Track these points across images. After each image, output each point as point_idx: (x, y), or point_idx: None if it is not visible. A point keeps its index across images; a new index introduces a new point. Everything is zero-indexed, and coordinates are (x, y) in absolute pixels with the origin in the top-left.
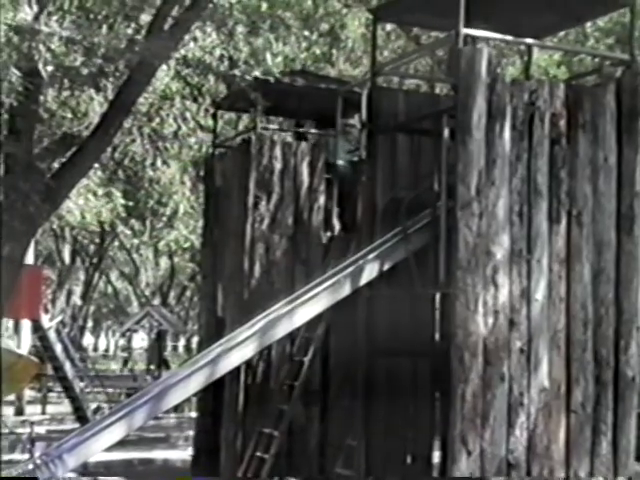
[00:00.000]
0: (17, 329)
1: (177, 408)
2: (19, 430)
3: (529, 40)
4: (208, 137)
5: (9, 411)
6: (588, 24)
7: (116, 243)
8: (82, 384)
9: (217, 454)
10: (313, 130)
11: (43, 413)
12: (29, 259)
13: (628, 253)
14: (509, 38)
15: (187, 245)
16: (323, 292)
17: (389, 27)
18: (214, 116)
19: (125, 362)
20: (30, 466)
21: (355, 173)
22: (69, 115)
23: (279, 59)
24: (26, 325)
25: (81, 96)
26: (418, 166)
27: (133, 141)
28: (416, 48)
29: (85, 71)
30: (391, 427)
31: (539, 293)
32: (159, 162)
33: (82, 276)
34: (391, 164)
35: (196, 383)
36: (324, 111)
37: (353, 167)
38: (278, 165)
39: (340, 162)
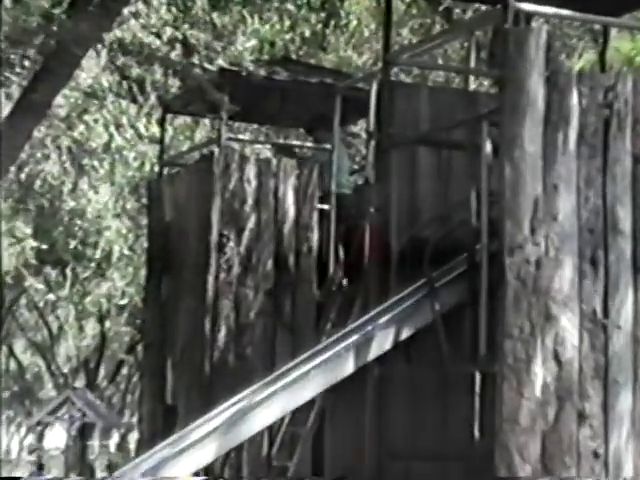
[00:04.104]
0: None
1: None
2: None
3: (605, 18)
4: (153, 151)
5: None
6: None
7: (23, 300)
8: None
9: None
10: (300, 142)
11: None
12: None
13: None
14: (577, 15)
15: (124, 302)
16: (316, 370)
17: None
18: (162, 122)
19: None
20: None
21: (360, 202)
22: None
23: (253, 42)
24: None
25: None
26: (448, 193)
27: (47, 157)
28: (446, 28)
29: None
30: None
31: (620, 374)
32: (84, 186)
33: None
34: (410, 190)
35: None
36: (316, 115)
37: (357, 194)
38: (252, 190)
39: (339, 186)
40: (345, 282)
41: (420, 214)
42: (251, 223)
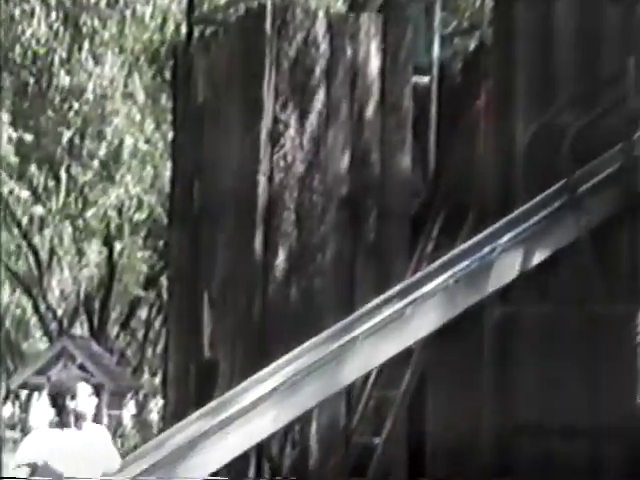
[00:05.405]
0: None
1: None
2: None
3: None
4: (179, 5)
5: None
6: None
7: None
8: None
9: None
10: None
11: None
12: None
13: None
14: None
15: (141, 217)
16: (413, 308)
17: None
18: None
19: None
20: None
21: (472, 74)
22: None
23: None
24: None
25: None
26: (595, 62)
27: (30, 15)
28: None
29: None
30: None
31: None
32: (82, 55)
33: None
34: (543, 57)
35: None
36: None
37: (467, 63)
38: (320, 57)
39: (440, 53)
40: (452, 186)
41: (556, 92)
42: (319, 103)
